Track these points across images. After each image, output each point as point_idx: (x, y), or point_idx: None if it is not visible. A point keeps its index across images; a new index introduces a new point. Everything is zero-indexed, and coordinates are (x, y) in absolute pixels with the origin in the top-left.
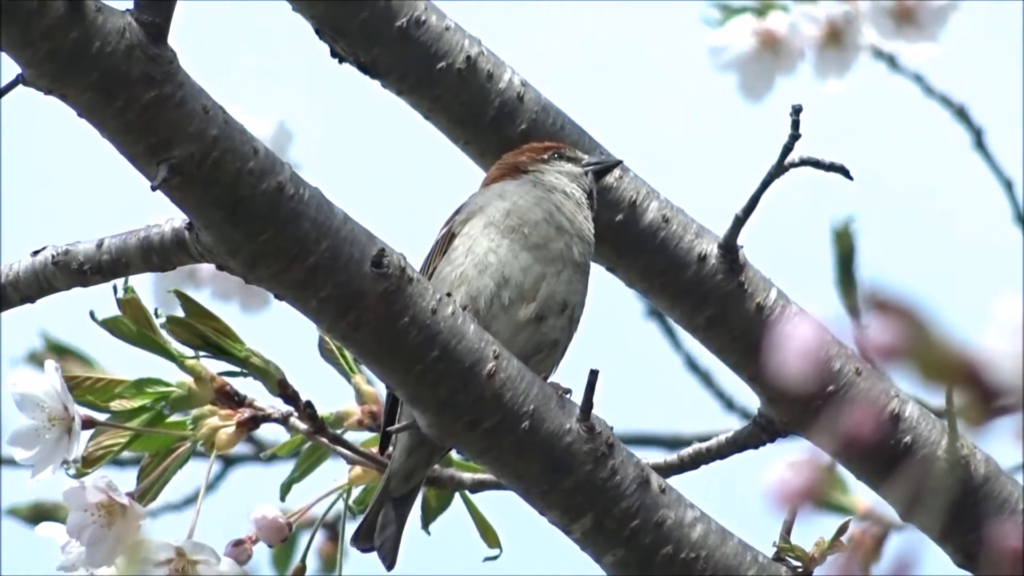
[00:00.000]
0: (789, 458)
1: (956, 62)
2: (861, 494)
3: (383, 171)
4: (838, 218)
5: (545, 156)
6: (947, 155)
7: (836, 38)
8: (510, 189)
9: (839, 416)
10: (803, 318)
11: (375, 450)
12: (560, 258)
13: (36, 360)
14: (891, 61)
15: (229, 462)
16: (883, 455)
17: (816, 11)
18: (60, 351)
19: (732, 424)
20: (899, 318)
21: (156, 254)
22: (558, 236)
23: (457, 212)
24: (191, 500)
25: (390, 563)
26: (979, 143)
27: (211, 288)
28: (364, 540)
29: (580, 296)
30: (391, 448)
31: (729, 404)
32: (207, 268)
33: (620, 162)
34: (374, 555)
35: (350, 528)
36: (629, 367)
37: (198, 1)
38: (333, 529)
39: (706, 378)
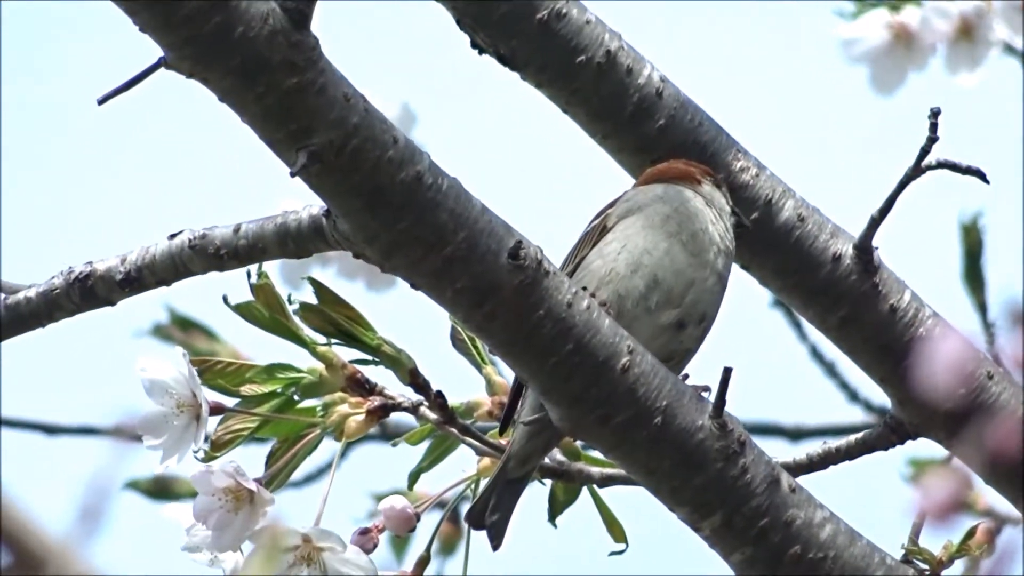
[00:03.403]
0: (936, 470)
1: None
2: (981, 490)
3: (519, 163)
4: (966, 214)
5: (712, 179)
6: None
7: (968, 33)
8: (672, 194)
9: (980, 428)
10: (945, 328)
11: (505, 441)
12: (709, 267)
13: (161, 334)
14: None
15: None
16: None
17: (948, 6)
18: (185, 325)
19: (855, 415)
20: None
21: (292, 240)
22: (710, 247)
23: (612, 205)
24: (312, 478)
25: (497, 543)
26: None
27: (337, 266)
28: (477, 518)
29: (716, 310)
30: (508, 437)
31: (853, 395)
32: None
33: (750, 229)
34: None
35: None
36: (753, 356)
37: None
38: (455, 513)
39: (830, 369)
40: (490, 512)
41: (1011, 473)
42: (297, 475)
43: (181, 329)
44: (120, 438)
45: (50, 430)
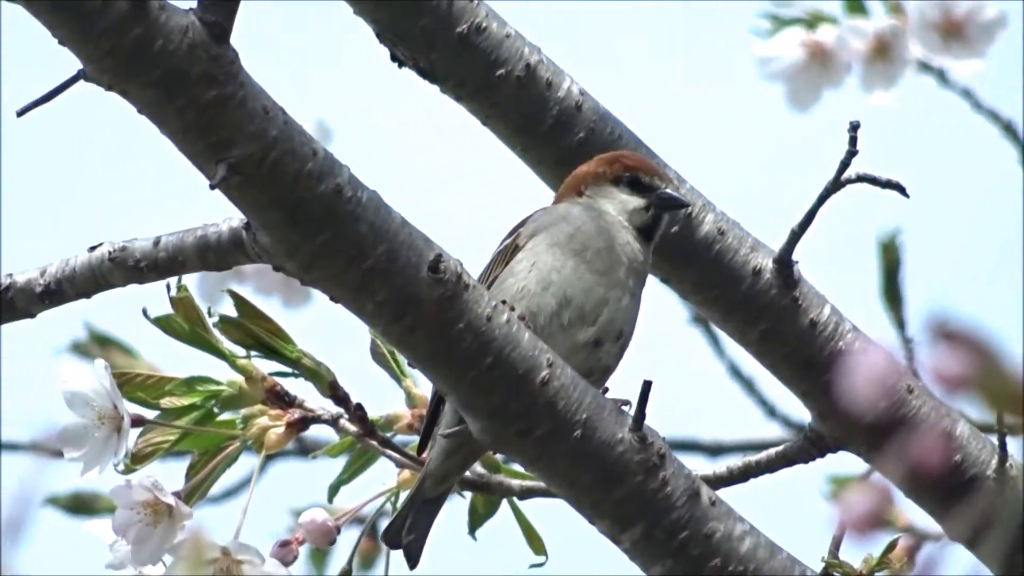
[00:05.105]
0: (857, 485)
1: (1006, 78)
2: (902, 507)
3: (439, 176)
4: (884, 231)
5: (618, 176)
6: (994, 170)
7: (883, 52)
8: (575, 213)
9: (902, 442)
10: (865, 342)
11: (425, 456)
12: (620, 285)
13: (80, 350)
14: (940, 76)
15: (271, 455)
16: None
17: (864, 24)
18: (103, 342)
19: (774, 431)
20: (967, 350)
21: (213, 253)
22: (619, 265)
23: (522, 224)
24: (230, 493)
25: (414, 563)
26: None
27: (253, 283)
28: (394, 537)
29: (633, 327)
30: (427, 451)
31: (771, 411)
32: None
33: (688, 205)
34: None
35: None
36: (671, 372)
37: (260, 2)
38: (374, 528)
39: (749, 385)
40: (407, 531)
41: (931, 487)
42: (216, 490)
43: (99, 346)
44: (39, 453)
45: None
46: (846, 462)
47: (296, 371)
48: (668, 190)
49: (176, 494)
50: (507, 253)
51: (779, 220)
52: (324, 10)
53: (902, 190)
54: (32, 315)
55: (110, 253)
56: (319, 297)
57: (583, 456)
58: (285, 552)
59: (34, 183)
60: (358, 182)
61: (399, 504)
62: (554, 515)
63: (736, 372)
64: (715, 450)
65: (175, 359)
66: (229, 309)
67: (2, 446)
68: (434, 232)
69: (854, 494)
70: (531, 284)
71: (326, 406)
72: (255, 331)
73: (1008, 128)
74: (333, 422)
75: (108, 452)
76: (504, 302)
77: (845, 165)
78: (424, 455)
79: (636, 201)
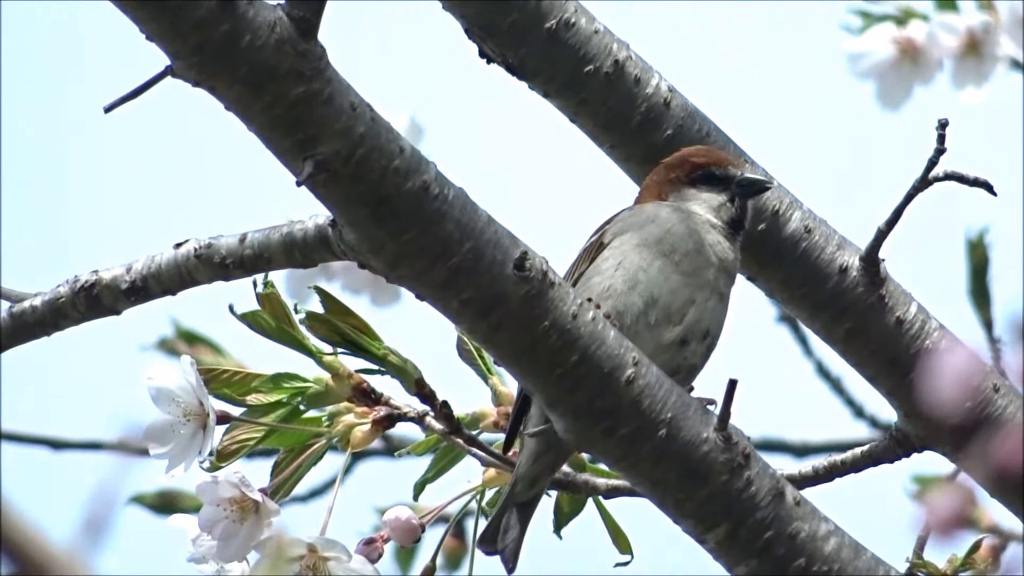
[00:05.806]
0: (941, 486)
1: None
2: (986, 507)
3: (526, 173)
4: (972, 230)
5: (691, 176)
6: None
7: (974, 48)
8: (664, 215)
9: (988, 442)
10: (951, 341)
11: (513, 454)
12: (708, 286)
13: (167, 347)
14: None
15: (358, 454)
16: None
17: (955, 21)
18: (190, 338)
19: (861, 432)
20: None
21: (299, 250)
22: (707, 267)
23: (608, 223)
24: (317, 493)
25: (512, 566)
26: None
27: (342, 281)
28: (489, 542)
29: (720, 327)
30: (514, 449)
31: (859, 412)
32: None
33: (769, 184)
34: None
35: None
36: (759, 371)
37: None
38: (459, 527)
39: (836, 385)
40: (502, 536)
41: (1017, 487)
42: (302, 490)
43: (186, 342)
44: (125, 451)
45: (56, 445)
46: (931, 462)
47: (383, 368)
48: (745, 174)
49: (263, 490)
50: (592, 250)
51: (866, 218)
52: (413, 6)
53: (990, 188)
54: (118, 312)
55: (196, 250)
56: (406, 295)
57: (668, 455)
58: (370, 550)
59: (120, 179)
60: (445, 179)
61: (490, 509)
62: (640, 514)
63: (823, 371)
64: (802, 451)
65: (261, 356)
66: (316, 306)
67: (88, 444)
68: (520, 230)
69: (939, 494)
70: (617, 283)
71: (412, 403)
72: (342, 327)
73: None
74: (419, 420)
75: (193, 449)
76: (590, 300)
77: (933, 163)
78: (510, 453)
79: (718, 197)
